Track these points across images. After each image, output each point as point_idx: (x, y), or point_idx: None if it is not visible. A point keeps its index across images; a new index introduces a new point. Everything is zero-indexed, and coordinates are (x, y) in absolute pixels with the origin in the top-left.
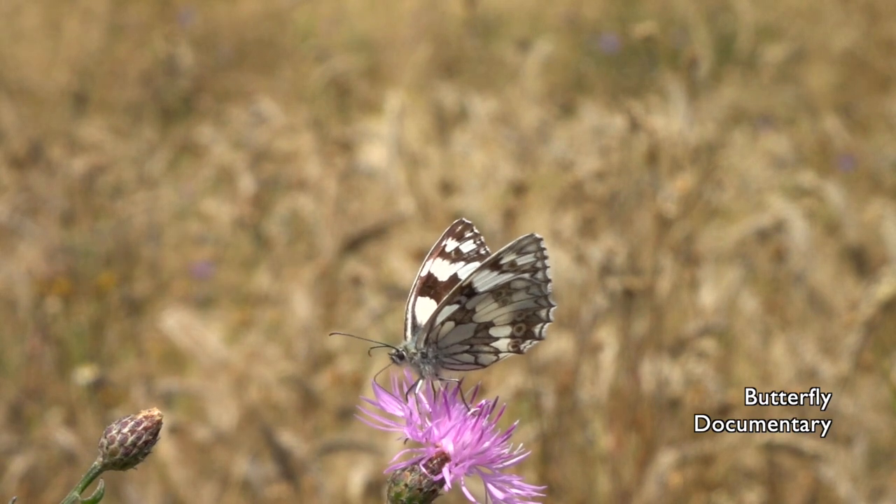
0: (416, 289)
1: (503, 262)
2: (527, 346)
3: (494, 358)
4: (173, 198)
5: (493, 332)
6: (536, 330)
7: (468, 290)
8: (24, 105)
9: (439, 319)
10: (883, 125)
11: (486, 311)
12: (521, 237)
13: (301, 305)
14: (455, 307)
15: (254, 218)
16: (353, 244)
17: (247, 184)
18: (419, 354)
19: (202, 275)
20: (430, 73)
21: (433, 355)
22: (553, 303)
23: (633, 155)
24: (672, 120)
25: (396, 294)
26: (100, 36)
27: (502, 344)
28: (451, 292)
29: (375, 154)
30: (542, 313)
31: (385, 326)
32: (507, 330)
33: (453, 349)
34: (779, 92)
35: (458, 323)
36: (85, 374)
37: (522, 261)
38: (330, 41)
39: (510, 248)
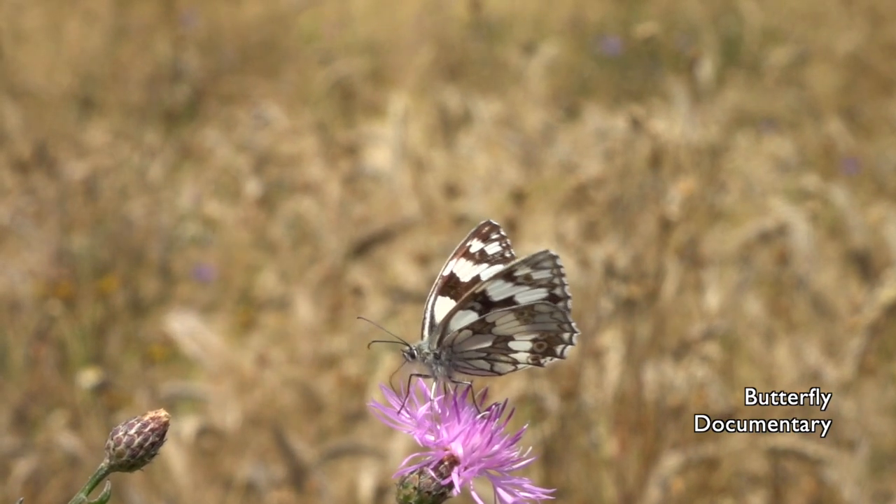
0: (437, 288)
1: (517, 274)
2: (547, 361)
3: (512, 368)
4: (177, 201)
5: (512, 345)
6: (558, 349)
7: (482, 298)
8: (28, 107)
9: (456, 326)
10: (887, 128)
11: (507, 325)
12: (536, 252)
13: (305, 309)
14: (472, 315)
15: (258, 221)
16: (358, 248)
17: (251, 187)
18: (432, 355)
19: (206, 278)
20: (433, 76)
21: (446, 357)
22: (576, 329)
23: (636, 158)
24: (675, 123)
25: (401, 298)
26: (102, 38)
27: (521, 356)
28: (463, 298)
29: (380, 157)
30: (565, 336)
31: (389, 329)
32: (528, 345)
33: (469, 355)
34: (782, 95)
35: (476, 332)
36: (89, 377)
37: (538, 275)
38: (334, 44)
39: (525, 262)
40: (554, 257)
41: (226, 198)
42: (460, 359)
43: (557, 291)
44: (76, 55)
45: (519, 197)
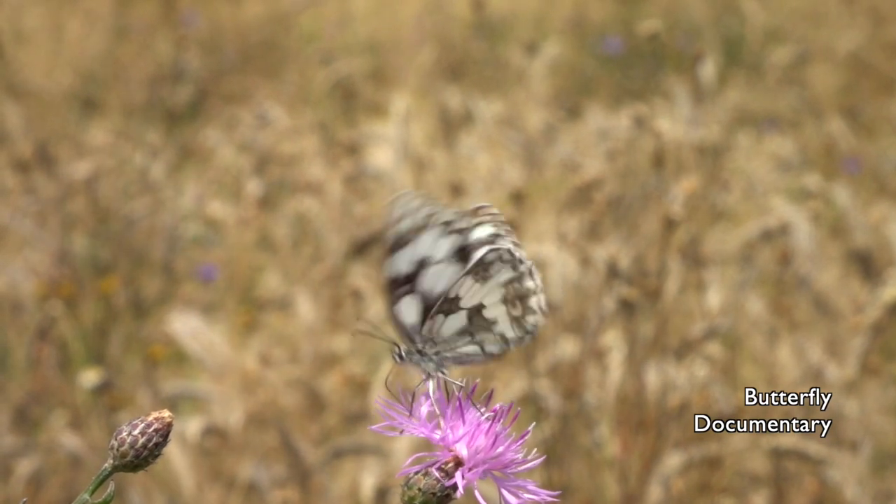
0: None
1: (402, 238)
2: (531, 321)
3: (504, 345)
4: (179, 201)
5: (487, 314)
6: (532, 302)
7: (401, 280)
8: (29, 107)
9: (408, 317)
10: (888, 128)
11: (470, 294)
12: (391, 202)
13: (307, 308)
14: (415, 302)
15: (259, 221)
16: (360, 247)
17: (252, 187)
18: (416, 354)
19: (208, 278)
20: (435, 75)
21: (433, 352)
22: (528, 262)
23: (638, 157)
24: (677, 122)
25: None
26: (103, 38)
27: (505, 327)
28: (386, 288)
29: (381, 157)
30: (528, 282)
31: (390, 330)
32: (502, 308)
33: (453, 342)
34: (784, 94)
35: (446, 314)
36: (90, 377)
37: (416, 222)
38: (335, 44)
39: (393, 222)
40: (407, 194)
41: (228, 198)
42: (447, 349)
43: (439, 219)
44: (77, 55)
45: (519, 198)
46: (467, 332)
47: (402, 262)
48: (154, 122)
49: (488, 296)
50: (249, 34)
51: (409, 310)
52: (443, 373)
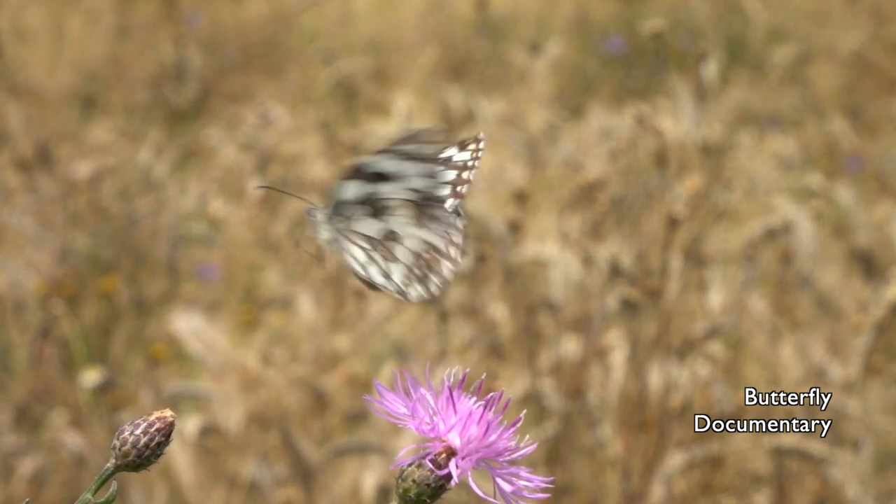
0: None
1: (397, 151)
2: (414, 291)
3: (381, 282)
4: (181, 200)
5: (397, 250)
6: (431, 283)
7: (368, 174)
8: (30, 107)
9: (351, 194)
10: (890, 127)
11: (402, 225)
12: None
13: (308, 308)
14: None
15: (261, 220)
16: None
17: (254, 186)
18: (324, 218)
19: (210, 277)
20: (437, 75)
21: (337, 226)
22: (459, 259)
23: (640, 156)
24: (680, 121)
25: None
26: (105, 37)
27: (397, 272)
28: (351, 168)
29: None
30: (445, 265)
31: (391, 330)
32: (410, 258)
33: (355, 236)
34: (786, 93)
35: (371, 215)
36: (91, 376)
37: (416, 150)
38: (336, 43)
39: (402, 140)
40: (427, 131)
41: (230, 197)
42: (346, 235)
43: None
44: (79, 54)
45: (521, 197)
46: (371, 241)
47: (384, 164)
48: (156, 121)
49: (410, 238)
50: (251, 33)
51: (352, 189)
52: (332, 248)
